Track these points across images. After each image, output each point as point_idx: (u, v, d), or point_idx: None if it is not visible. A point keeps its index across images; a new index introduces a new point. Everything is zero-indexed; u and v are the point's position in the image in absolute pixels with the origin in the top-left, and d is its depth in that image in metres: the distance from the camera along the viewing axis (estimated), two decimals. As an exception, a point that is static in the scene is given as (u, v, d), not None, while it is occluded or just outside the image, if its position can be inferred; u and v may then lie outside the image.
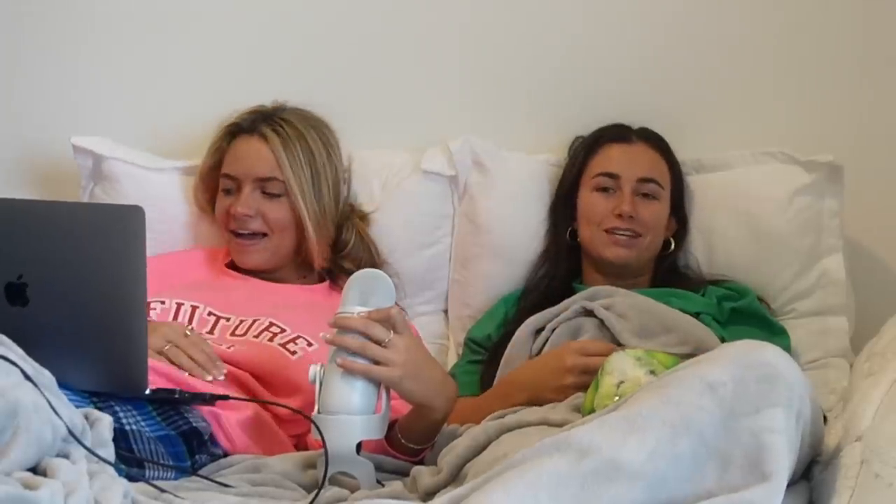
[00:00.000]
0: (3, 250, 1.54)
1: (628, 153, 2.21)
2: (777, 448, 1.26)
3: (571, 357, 1.85)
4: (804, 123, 2.39)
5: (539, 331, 2.04)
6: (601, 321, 1.96)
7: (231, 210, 2.16)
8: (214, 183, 2.24)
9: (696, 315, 2.03)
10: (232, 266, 2.23)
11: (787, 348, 2.07)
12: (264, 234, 2.16)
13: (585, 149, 2.25)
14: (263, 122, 2.19)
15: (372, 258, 2.25)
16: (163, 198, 2.32)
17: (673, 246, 2.24)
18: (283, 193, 2.15)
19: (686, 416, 1.26)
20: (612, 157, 2.21)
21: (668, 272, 2.23)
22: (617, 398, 1.54)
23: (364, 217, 2.29)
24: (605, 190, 2.18)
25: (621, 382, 1.59)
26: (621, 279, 2.16)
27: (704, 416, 1.27)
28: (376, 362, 1.63)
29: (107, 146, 2.34)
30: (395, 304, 1.71)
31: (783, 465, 1.26)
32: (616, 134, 2.25)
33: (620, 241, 2.14)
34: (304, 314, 2.06)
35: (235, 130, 2.22)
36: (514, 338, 2.05)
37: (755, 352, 1.33)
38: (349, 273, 2.17)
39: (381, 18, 2.44)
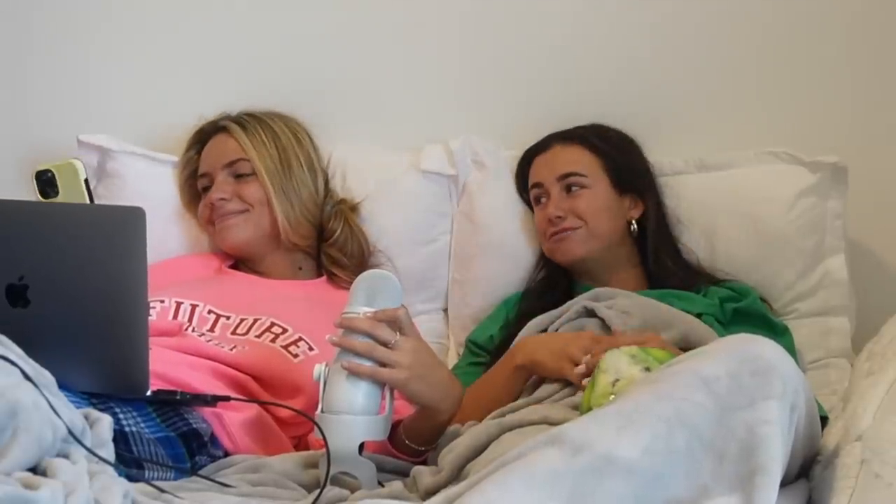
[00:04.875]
0: (4, 252, 1.53)
1: (545, 159, 2.26)
2: (771, 439, 1.25)
3: (587, 340, 1.85)
4: (808, 124, 2.39)
5: (542, 332, 2.04)
6: (603, 321, 1.96)
7: (208, 201, 2.21)
8: (192, 191, 2.32)
9: (699, 316, 2.02)
10: (233, 268, 2.26)
11: (790, 347, 2.07)
12: (244, 211, 2.20)
13: (521, 170, 2.32)
14: (225, 120, 2.28)
15: (361, 248, 2.27)
16: (167, 194, 2.35)
17: (635, 227, 2.22)
18: (254, 172, 2.21)
19: (680, 410, 1.26)
20: (535, 169, 2.27)
21: (659, 263, 2.21)
22: (612, 397, 1.54)
23: (354, 208, 2.31)
24: (539, 201, 2.24)
25: (616, 381, 1.58)
26: (605, 275, 2.18)
27: (699, 410, 1.26)
28: (382, 364, 1.63)
29: (114, 142, 2.36)
30: (402, 305, 1.71)
31: (777, 456, 1.25)
32: (537, 147, 2.29)
33: (559, 239, 2.17)
34: (305, 311, 2.06)
35: (202, 138, 2.31)
36: (517, 338, 2.05)
37: (749, 345, 1.33)
38: (337, 261, 2.21)
39: (382, 18, 2.45)
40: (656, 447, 1.23)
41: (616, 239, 2.20)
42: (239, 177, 2.22)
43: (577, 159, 2.22)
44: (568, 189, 2.19)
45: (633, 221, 2.22)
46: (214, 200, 2.20)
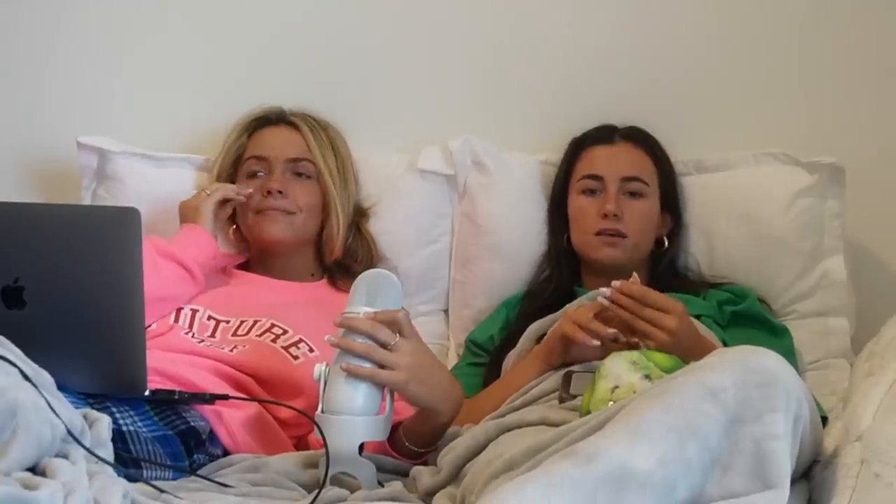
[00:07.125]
0: (0, 254, 1.54)
1: (611, 153, 2.22)
2: (779, 455, 1.26)
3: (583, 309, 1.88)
4: (806, 124, 2.38)
5: (542, 337, 2.04)
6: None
7: (263, 186, 2.16)
8: (232, 179, 2.25)
9: (697, 317, 2.02)
10: (240, 268, 2.24)
11: (790, 348, 2.08)
12: (291, 213, 2.17)
13: (570, 153, 2.27)
14: (286, 114, 2.26)
15: (371, 254, 2.26)
16: (168, 195, 2.31)
17: (667, 244, 2.23)
18: (313, 176, 2.20)
19: (691, 421, 1.26)
20: (596, 159, 2.22)
21: (665, 272, 2.23)
22: (611, 403, 1.54)
23: (364, 213, 2.30)
24: (591, 192, 2.19)
25: (616, 387, 1.58)
26: (617, 277, 2.16)
27: (710, 421, 1.26)
28: (381, 366, 1.63)
29: (113, 143, 2.35)
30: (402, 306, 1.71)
31: (785, 471, 1.26)
32: (599, 135, 2.26)
33: (609, 242, 2.14)
34: (305, 312, 2.06)
35: (258, 124, 2.26)
36: (518, 344, 2.05)
37: (753, 357, 1.33)
38: (348, 269, 2.20)
39: (381, 19, 2.45)
40: (671, 458, 1.24)
41: (648, 251, 2.20)
42: (298, 175, 2.19)
43: (643, 166, 2.21)
44: (627, 193, 2.17)
45: (664, 238, 2.23)
46: (273, 190, 2.15)
